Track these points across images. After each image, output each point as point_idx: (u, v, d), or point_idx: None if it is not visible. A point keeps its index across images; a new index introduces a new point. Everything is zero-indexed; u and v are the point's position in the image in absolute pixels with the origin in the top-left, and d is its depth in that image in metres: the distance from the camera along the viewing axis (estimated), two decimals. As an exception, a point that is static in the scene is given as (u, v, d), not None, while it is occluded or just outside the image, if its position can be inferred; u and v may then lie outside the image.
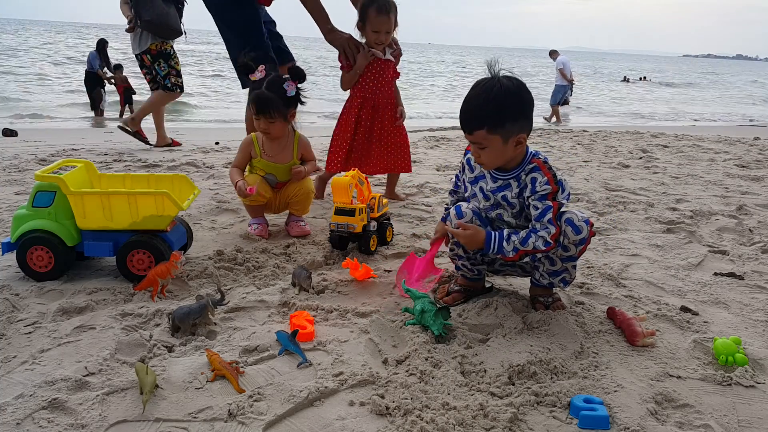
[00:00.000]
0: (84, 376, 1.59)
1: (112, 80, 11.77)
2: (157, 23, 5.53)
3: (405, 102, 3.72)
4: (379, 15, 3.32)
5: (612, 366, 1.74)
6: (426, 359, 1.70)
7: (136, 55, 5.81)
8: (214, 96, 15.74)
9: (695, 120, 15.29)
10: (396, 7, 3.39)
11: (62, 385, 1.54)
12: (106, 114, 11.95)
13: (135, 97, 12.11)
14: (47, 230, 2.22)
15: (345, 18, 3.60)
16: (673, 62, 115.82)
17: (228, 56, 3.63)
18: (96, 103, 11.79)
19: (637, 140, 7.35)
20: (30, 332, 1.84)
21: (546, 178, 1.91)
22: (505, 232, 1.95)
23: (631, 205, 3.74)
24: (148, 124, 5.89)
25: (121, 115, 11.93)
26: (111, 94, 12.41)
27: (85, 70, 11.80)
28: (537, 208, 1.91)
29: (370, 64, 3.45)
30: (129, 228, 2.27)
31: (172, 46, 5.81)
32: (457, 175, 2.25)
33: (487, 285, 2.28)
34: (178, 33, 5.77)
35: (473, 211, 2.03)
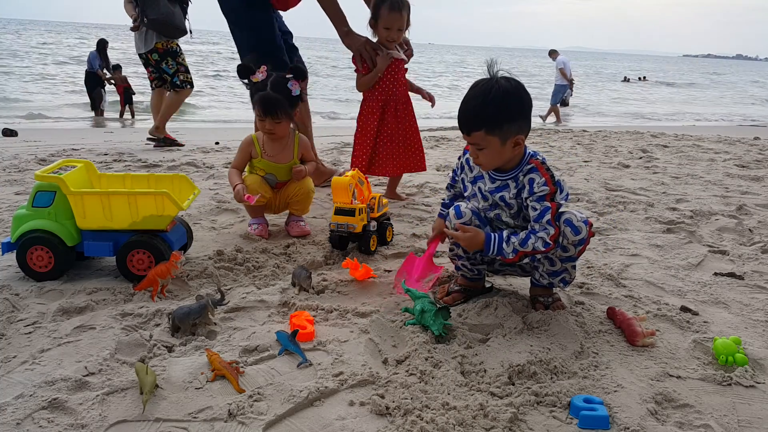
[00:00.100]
0: (84, 376, 1.59)
1: (112, 80, 11.78)
2: (162, 22, 5.55)
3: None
4: (391, 12, 3.32)
5: (612, 366, 1.74)
6: (426, 359, 1.70)
7: (140, 54, 5.81)
8: (214, 96, 15.75)
9: (697, 120, 15.30)
10: (409, 6, 3.37)
11: (62, 385, 1.54)
12: (106, 114, 11.96)
13: (135, 98, 12.13)
14: (47, 230, 2.22)
15: (356, 18, 3.58)
16: (673, 62, 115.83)
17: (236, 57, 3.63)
18: (96, 103, 11.79)
19: (637, 140, 7.35)
20: (30, 332, 1.84)
21: (544, 179, 1.90)
22: (505, 233, 1.95)
23: (631, 205, 3.74)
24: (149, 123, 5.89)
25: (121, 115, 11.95)
26: (111, 94, 12.42)
27: (86, 71, 11.81)
28: (535, 209, 1.91)
29: (388, 65, 3.44)
30: (129, 228, 2.27)
31: (177, 44, 5.83)
32: (454, 170, 2.25)
33: (487, 285, 2.28)
34: (183, 32, 5.79)
35: (472, 210, 2.03)
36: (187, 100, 6.43)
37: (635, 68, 56.39)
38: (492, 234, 1.96)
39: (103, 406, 1.47)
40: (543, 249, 1.89)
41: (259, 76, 2.78)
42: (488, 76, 1.91)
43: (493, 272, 2.27)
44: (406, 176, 4.15)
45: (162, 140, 5.87)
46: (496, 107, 1.85)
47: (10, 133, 7.32)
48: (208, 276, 2.31)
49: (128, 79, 12.02)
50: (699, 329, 2.02)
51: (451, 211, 2.07)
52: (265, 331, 1.88)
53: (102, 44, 11.80)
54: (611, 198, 3.89)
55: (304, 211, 2.99)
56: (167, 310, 1.97)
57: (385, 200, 2.87)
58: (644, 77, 37.81)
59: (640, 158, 5.76)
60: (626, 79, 35.45)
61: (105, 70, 11.69)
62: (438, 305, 1.91)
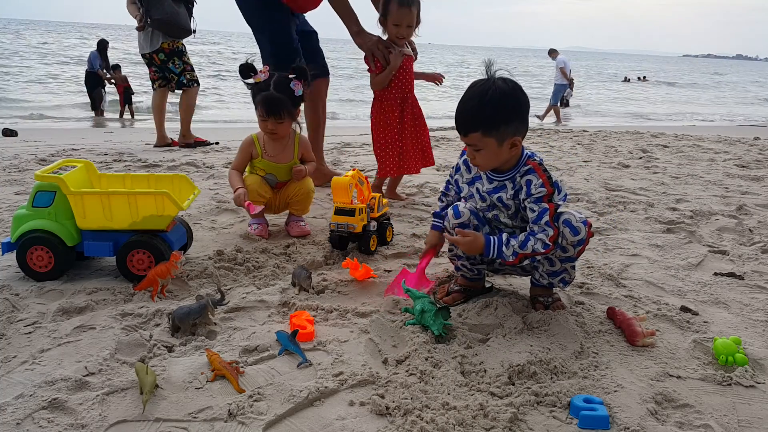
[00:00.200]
0: (84, 376, 1.59)
1: (112, 80, 11.79)
2: (167, 22, 5.56)
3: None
4: (400, 8, 3.30)
5: (612, 366, 1.74)
6: (426, 359, 1.70)
7: (144, 54, 5.81)
8: (215, 96, 15.75)
9: (701, 120, 15.30)
10: (419, 2, 3.34)
11: (62, 385, 1.54)
12: (106, 114, 11.97)
13: (135, 98, 12.13)
14: (47, 230, 2.22)
15: (364, 18, 3.57)
16: (673, 62, 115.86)
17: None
18: (96, 103, 11.80)
19: (637, 140, 7.35)
20: (30, 332, 1.84)
21: (541, 180, 1.90)
22: (504, 236, 1.94)
23: (631, 205, 3.74)
24: (149, 123, 5.90)
25: (121, 115, 11.96)
26: (111, 94, 12.42)
27: (86, 70, 11.82)
28: (534, 211, 1.91)
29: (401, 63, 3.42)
30: (129, 228, 2.27)
31: (183, 44, 5.84)
32: (448, 181, 2.24)
33: (487, 285, 2.28)
34: (188, 32, 5.81)
35: (470, 210, 2.03)
36: (179, 98, 6.44)
37: (635, 68, 56.38)
38: (491, 237, 1.96)
39: (103, 406, 1.47)
40: (542, 250, 1.89)
41: (261, 76, 2.77)
42: (486, 77, 1.91)
43: (493, 272, 2.27)
44: (406, 176, 4.14)
45: (193, 144, 5.95)
46: (493, 108, 1.85)
47: (10, 133, 7.32)
48: (208, 276, 2.31)
49: (128, 78, 12.03)
50: (699, 329, 2.02)
51: (450, 211, 2.06)
52: (265, 331, 1.88)
53: (102, 44, 11.82)
54: (611, 198, 3.89)
55: (304, 211, 2.99)
56: (167, 310, 1.97)
57: (385, 200, 2.87)
58: (644, 77, 37.82)
59: (640, 158, 5.76)
60: (626, 80, 35.46)
61: (105, 70, 11.70)
62: (438, 305, 1.91)
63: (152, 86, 6.00)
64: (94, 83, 11.68)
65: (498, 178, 1.99)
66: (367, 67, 3.51)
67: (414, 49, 3.62)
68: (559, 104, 13.49)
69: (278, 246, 2.68)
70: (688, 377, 1.70)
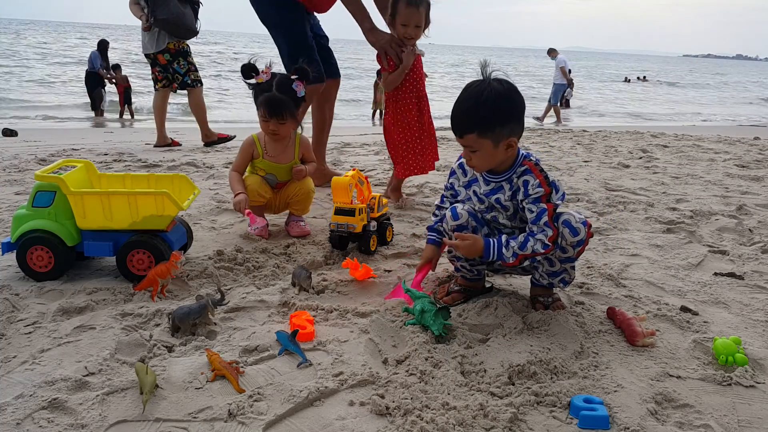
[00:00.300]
0: (84, 376, 1.59)
1: (114, 80, 11.79)
2: (173, 22, 5.58)
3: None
4: (408, 6, 3.26)
5: (612, 366, 1.74)
6: (426, 359, 1.70)
7: (147, 55, 5.82)
8: (215, 96, 15.75)
9: (703, 120, 15.31)
10: (428, 2, 3.31)
11: (62, 385, 1.54)
12: (106, 114, 11.97)
13: (134, 98, 12.13)
14: (47, 230, 2.22)
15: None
16: (673, 62, 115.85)
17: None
18: (96, 103, 11.81)
19: (637, 140, 7.35)
20: (30, 332, 1.84)
21: (538, 180, 1.90)
22: (503, 238, 1.94)
23: (631, 205, 3.74)
24: (149, 123, 5.91)
25: (121, 115, 11.96)
26: (111, 94, 12.43)
27: (86, 70, 11.83)
28: (532, 212, 1.91)
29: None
30: (129, 228, 2.27)
31: (187, 44, 5.86)
32: (443, 195, 2.22)
33: (487, 285, 2.28)
34: (194, 33, 5.83)
35: (469, 212, 2.03)
36: (186, 101, 6.46)
37: (636, 68, 56.37)
38: (491, 240, 1.95)
39: (103, 406, 1.47)
40: (542, 251, 1.89)
41: (263, 76, 2.77)
42: (481, 78, 1.91)
43: (493, 271, 2.27)
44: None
45: (217, 141, 6.02)
46: (487, 110, 1.85)
47: (10, 133, 7.32)
48: (208, 276, 2.31)
49: (128, 78, 12.04)
50: (699, 329, 2.01)
51: (448, 212, 2.06)
52: (265, 331, 1.88)
53: (103, 44, 11.82)
54: (611, 198, 3.89)
55: (305, 211, 2.99)
56: (167, 310, 1.97)
57: (385, 200, 2.87)
58: (644, 77, 37.82)
59: (640, 158, 5.76)
60: (627, 80, 35.46)
61: (106, 70, 11.71)
62: (438, 305, 1.91)
63: (154, 86, 6.00)
64: (94, 83, 11.68)
65: (495, 179, 1.99)
66: (378, 66, 3.46)
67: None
68: (559, 104, 13.49)
69: (278, 246, 2.68)
70: (688, 377, 1.70)
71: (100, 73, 11.60)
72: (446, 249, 2.20)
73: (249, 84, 2.82)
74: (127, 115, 12.01)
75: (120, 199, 2.23)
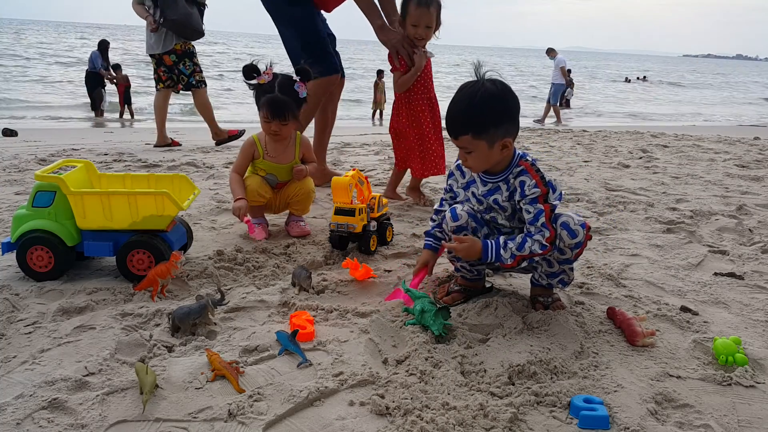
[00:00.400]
0: (84, 376, 1.59)
1: (115, 80, 11.80)
2: (182, 24, 5.60)
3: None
4: (419, 7, 3.24)
5: (612, 366, 1.74)
6: (426, 359, 1.70)
7: (153, 55, 5.82)
8: (215, 97, 15.74)
9: (705, 120, 15.31)
10: (439, 3, 3.28)
11: (62, 385, 1.54)
12: (106, 114, 11.98)
13: (133, 98, 12.14)
14: (47, 230, 2.22)
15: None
16: (673, 62, 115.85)
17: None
18: (96, 104, 11.82)
19: (637, 140, 7.35)
20: (30, 332, 1.84)
21: (534, 180, 1.90)
22: (501, 239, 1.94)
23: (631, 205, 3.74)
24: (149, 123, 5.91)
25: (121, 115, 11.97)
26: (111, 95, 12.43)
27: (86, 70, 11.83)
28: (529, 212, 1.91)
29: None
30: (129, 228, 2.27)
31: (193, 45, 5.88)
32: (442, 198, 2.21)
33: (487, 285, 2.28)
34: (201, 34, 5.87)
35: (468, 213, 2.03)
36: (188, 100, 6.47)
37: (636, 68, 56.38)
38: (488, 241, 1.95)
39: (103, 406, 1.47)
40: (540, 251, 1.89)
41: (266, 77, 2.77)
42: (475, 79, 1.90)
43: (493, 270, 2.27)
44: (406, 176, 4.14)
45: (227, 139, 6.04)
46: (481, 111, 1.85)
47: (10, 133, 7.32)
48: (208, 276, 2.31)
49: (129, 78, 12.04)
50: (699, 329, 2.01)
51: (447, 213, 2.06)
52: (265, 331, 1.88)
53: (104, 45, 11.83)
54: (611, 198, 3.89)
55: (305, 211, 2.99)
56: (167, 310, 1.97)
57: (385, 200, 2.87)
58: (644, 77, 37.83)
59: (640, 158, 5.76)
60: (627, 80, 35.47)
61: (107, 70, 11.72)
62: (438, 305, 1.91)
63: (156, 86, 6.01)
64: (94, 83, 11.69)
65: (492, 180, 1.99)
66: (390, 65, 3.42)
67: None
68: (559, 104, 13.49)
69: (278, 246, 2.68)
70: (688, 377, 1.70)
71: (101, 72, 11.60)
72: (447, 250, 2.20)
73: (250, 85, 2.81)
74: (127, 115, 12.01)
75: (120, 199, 2.23)
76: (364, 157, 5.39)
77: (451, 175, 2.16)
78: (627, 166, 5.25)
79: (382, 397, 1.53)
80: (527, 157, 1.97)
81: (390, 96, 14.32)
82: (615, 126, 11.35)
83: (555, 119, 13.17)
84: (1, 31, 48.06)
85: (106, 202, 2.22)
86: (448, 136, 2.09)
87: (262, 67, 2.78)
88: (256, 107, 2.83)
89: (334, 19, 3.82)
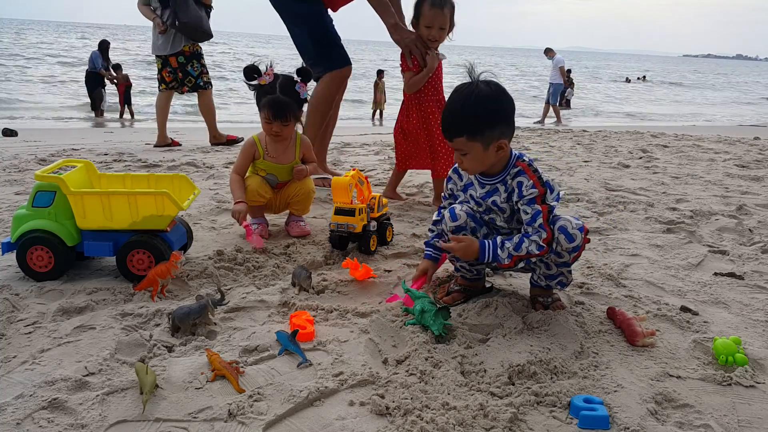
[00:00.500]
0: (84, 376, 1.59)
1: (115, 80, 11.80)
2: (193, 26, 5.63)
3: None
4: (432, 8, 3.22)
5: (612, 366, 1.74)
6: (426, 359, 1.70)
7: (159, 56, 5.82)
8: (215, 97, 15.74)
9: (706, 120, 15.31)
10: (452, 4, 3.26)
11: (62, 385, 1.54)
12: (106, 114, 11.98)
13: (133, 99, 12.14)
14: (47, 230, 2.22)
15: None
16: (673, 62, 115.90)
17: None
18: (96, 104, 11.82)
19: (637, 140, 7.35)
20: (30, 332, 1.84)
21: (531, 181, 1.90)
22: (498, 239, 1.94)
23: (631, 205, 3.74)
24: (149, 123, 5.92)
25: (121, 115, 11.97)
26: (111, 95, 12.43)
27: (86, 70, 11.83)
28: (527, 213, 1.90)
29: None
30: (129, 228, 2.27)
31: (200, 46, 5.91)
32: (441, 206, 2.20)
33: (487, 285, 2.28)
34: (209, 36, 5.91)
35: (467, 213, 2.03)
36: (188, 101, 6.48)
37: (636, 68, 56.38)
38: (486, 241, 1.95)
39: (103, 406, 1.47)
40: (537, 252, 1.89)
41: (267, 78, 2.76)
42: (469, 81, 1.90)
43: (493, 269, 2.27)
44: (406, 176, 4.14)
45: (226, 142, 6.05)
46: (476, 113, 1.85)
47: (10, 133, 7.32)
48: (208, 276, 2.31)
49: (129, 78, 12.05)
50: (699, 329, 2.01)
51: (446, 213, 2.06)
52: (265, 331, 1.88)
53: (104, 45, 11.83)
54: (611, 198, 3.89)
55: (305, 211, 2.99)
56: (167, 310, 1.97)
57: (385, 200, 2.87)
58: (644, 77, 37.84)
59: (640, 158, 5.76)
60: (628, 80, 35.48)
61: (107, 70, 11.73)
62: (438, 305, 1.91)
63: (158, 87, 6.00)
64: (94, 83, 11.69)
65: (489, 182, 1.99)
66: (400, 65, 3.41)
67: None
68: (558, 104, 13.50)
69: (278, 246, 2.68)
70: (688, 377, 1.70)
71: (101, 72, 11.60)
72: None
73: (251, 86, 2.81)
74: (127, 115, 12.01)
75: (120, 199, 2.23)
76: (364, 157, 5.39)
77: (449, 179, 2.15)
78: (627, 166, 5.25)
79: (382, 397, 1.53)
80: (524, 158, 1.97)
81: (390, 96, 14.29)
82: (615, 126, 11.35)
83: (555, 119, 13.17)
84: (1, 31, 48.06)
85: (106, 202, 2.22)
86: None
87: (262, 68, 2.78)
88: (256, 107, 2.84)
89: (335, 19, 3.81)
